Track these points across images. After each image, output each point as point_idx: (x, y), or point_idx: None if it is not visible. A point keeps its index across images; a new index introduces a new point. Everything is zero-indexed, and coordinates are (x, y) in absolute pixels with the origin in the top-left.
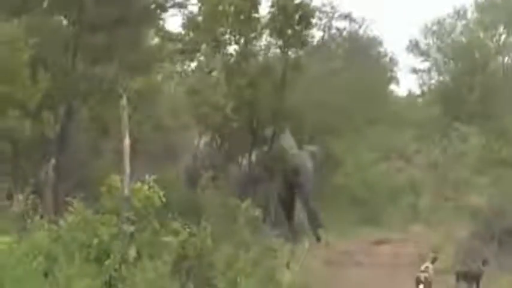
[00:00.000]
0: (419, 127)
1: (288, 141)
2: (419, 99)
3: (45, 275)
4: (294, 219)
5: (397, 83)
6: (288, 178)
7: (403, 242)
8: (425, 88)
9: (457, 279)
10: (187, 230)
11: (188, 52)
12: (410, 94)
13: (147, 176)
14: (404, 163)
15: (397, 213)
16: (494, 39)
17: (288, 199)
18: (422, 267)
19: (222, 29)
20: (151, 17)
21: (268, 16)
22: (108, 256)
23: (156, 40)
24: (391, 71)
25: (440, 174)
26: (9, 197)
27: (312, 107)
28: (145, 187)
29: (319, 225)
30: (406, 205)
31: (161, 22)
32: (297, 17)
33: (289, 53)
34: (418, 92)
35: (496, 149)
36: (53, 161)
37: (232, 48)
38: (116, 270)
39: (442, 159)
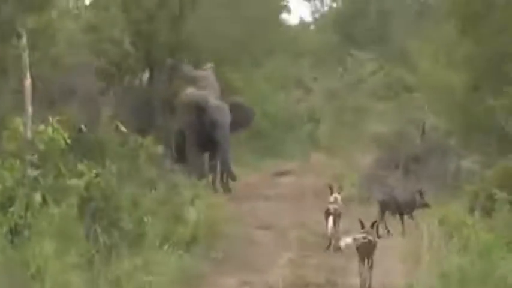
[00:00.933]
0: (315, 55)
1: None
2: (312, 27)
3: None
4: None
5: (289, 11)
6: (204, 128)
7: (305, 172)
8: (317, 15)
9: (382, 210)
10: (93, 171)
11: None
12: (302, 21)
13: (50, 118)
14: (303, 93)
15: (296, 144)
16: None
17: (198, 141)
18: (331, 199)
19: None
20: None
21: None
22: (13, 202)
23: None
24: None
25: (338, 102)
26: None
27: (209, 39)
28: (49, 129)
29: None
30: (306, 134)
31: None
32: None
33: None
34: (310, 19)
35: (398, 75)
36: None
37: None
38: (21, 217)
39: (340, 86)
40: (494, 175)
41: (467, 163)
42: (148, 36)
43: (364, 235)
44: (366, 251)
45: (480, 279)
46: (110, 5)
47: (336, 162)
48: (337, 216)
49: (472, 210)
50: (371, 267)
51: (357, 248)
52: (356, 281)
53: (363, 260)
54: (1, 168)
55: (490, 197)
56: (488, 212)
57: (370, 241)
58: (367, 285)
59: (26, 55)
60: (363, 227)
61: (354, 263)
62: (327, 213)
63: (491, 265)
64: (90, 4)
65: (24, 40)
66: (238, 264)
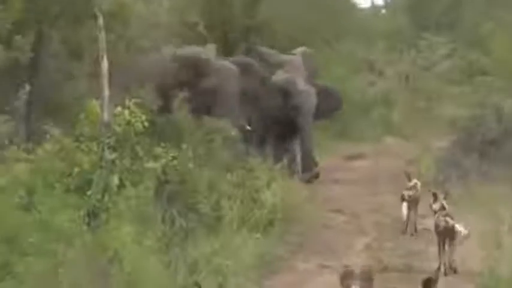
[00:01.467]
0: (387, 38)
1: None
2: (383, 10)
3: (27, 209)
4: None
5: None
6: (288, 112)
7: (378, 155)
8: None
9: None
10: (170, 154)
11: None
12: (373, 5)
13: (126, 100)
14: (376, 76)
15: (369, 127)
16: None
17: (280, 124)
18: (411, 184)
19: None
20: None
21: None
22: (90, 185)
23: None
24: None
25: (412, 85)
26: None
27: (282, 22)
28: (126, 112)
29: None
30: (379, 117)
31: None
32: None
33: None
34: (381, 2)
35: (472, 58)
36: (27, 87)
37: None
38: (98, 200)
39: (413, 70)
40: None
41: None
42: (223, 20)
43: (445, 219)
44: (446, 235)
45: None
46: None
47: (410, 146)
48: (413, 202)
49: None
50: (450, 252)
51: (437, 232)
52: (434, 265)
53: (443, 244)
54: (78, 151)
55: None
56: None
57: (452, 226)
58: (443, 269)
59: (102, 36)
60: (436, 199)
61: (432, 247)
62: (402, 199)
63: None
64: None
65: (100, 21)
66: (315, 248)
